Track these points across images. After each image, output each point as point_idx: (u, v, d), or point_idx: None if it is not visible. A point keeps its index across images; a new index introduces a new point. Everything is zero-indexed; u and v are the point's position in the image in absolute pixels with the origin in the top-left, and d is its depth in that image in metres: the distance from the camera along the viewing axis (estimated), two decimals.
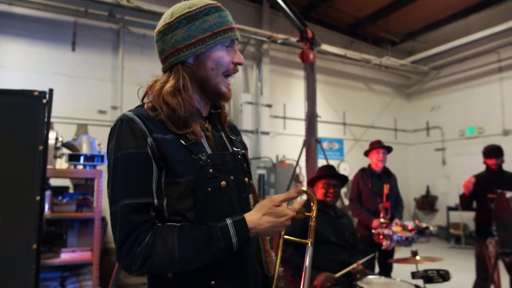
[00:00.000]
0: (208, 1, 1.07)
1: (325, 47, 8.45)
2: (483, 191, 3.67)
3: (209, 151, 1.05)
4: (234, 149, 1.15)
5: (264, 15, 8.48)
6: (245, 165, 1.16)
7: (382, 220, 3.44)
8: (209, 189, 0.99)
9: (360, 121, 10.08)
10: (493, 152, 3.75)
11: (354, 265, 2.46)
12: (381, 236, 3.36)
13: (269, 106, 8.34)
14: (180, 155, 0.99)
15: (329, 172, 2.88)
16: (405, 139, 11.14)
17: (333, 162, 8.93)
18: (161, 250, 0.89)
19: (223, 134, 1.15)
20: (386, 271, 3.60)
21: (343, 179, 2.88)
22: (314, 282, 2.37)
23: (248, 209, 1.10)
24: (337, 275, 2.36)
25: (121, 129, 0.98)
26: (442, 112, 10.30)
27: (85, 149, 4.00)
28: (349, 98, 10.05)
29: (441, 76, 10.40)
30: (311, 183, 2.91)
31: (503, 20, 7.84)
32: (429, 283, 2.37)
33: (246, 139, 7.65)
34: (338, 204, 3.27)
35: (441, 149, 10.17)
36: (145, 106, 1.07)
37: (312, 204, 1.10)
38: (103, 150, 4.34)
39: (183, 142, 1.01)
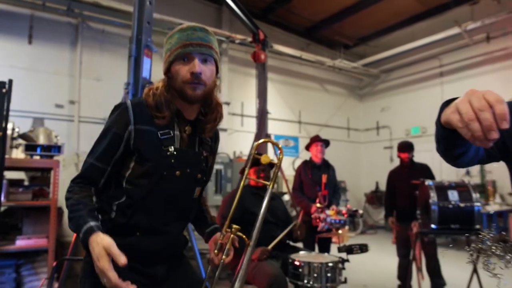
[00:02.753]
0: (184, 25, 1.33)
1: (281, 48, 8.83)
2: (400, 182, 4.34)
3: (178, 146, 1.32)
4: (200, 149, 1.41)
5: (224, 15, 8.74)
6: (204, 165, 1.42)
7: (318, 205, 3.83)
8: (165, 173, 1.28)
9: (315, 120, 10.56)
10: (406, 147, 4.38)
11: (295, 222, 2.80)
12: (317, 220, 3.75)
13: (227, 103, 8.63)
14: (152, 144, 1.27)
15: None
16: (357, 137, 11.77)
17: (288, 159, 9.39)
18: (71, 202, 1.21)
19: (197, 137, 1.40)
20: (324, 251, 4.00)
21: (271, 165, 3.25)
22: (251, 257, 2.69)
23: (191, 197, 1.40)
24: (270, 246, 2.70)
25: (118, 111, 1.31)
26: (391, 112, 11.00)
27: (42, 140, 4.09)
28: (305, 98, 10.50)
29: (390, 79, 11.09)
30: (243, 172, 3.25)
31: (444, 28, 8.54)
32: (350, 254, 2.77)
33: None
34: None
35: (389, 147, 10.83)
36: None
37: (279, 152, 1.38)
38: (60, 142, 4.45)
39: (159, 135, 1.29)
